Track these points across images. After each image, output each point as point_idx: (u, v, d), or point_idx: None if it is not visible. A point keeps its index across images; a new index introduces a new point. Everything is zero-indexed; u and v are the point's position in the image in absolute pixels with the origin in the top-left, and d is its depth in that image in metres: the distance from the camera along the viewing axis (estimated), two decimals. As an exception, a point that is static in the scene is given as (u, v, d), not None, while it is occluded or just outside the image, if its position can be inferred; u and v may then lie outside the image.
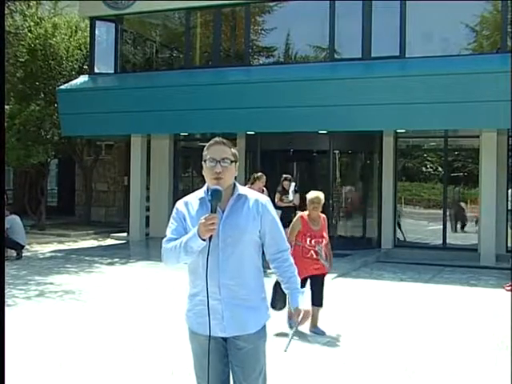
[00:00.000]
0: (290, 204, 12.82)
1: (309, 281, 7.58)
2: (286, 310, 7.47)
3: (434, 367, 6.30)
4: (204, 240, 3.29)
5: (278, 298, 7.17)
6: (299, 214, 7.82)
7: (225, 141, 3.54)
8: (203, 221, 3.27)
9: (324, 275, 7.76)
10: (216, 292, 3.40)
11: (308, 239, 7.51)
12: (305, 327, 7.47)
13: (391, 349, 6.91)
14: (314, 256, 7.51)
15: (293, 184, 13.12)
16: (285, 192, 12.99)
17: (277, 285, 6.98)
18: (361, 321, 8.33)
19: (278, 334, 7.06)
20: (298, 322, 3.48)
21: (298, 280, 3.61)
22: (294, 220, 7.74)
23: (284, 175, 13.38)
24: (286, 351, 3.56)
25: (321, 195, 7.83)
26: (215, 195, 3.33)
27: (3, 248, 11.44)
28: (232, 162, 3.49)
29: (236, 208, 3.48)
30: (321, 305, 7.67)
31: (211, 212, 3.31)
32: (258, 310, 3.54)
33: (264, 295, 3.62)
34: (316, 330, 7.61)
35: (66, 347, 6.91)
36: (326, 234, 7.73)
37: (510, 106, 11.87)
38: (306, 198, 7.67)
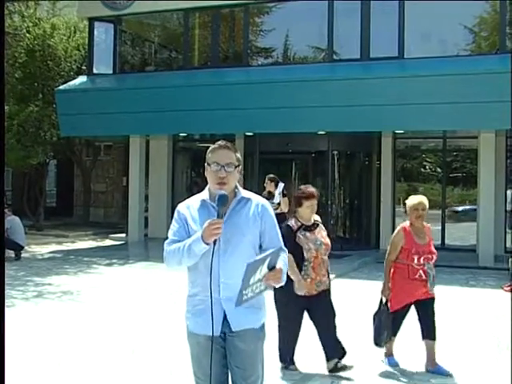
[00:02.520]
0: (278, 210, 10.74)
1: (412, 309, 6.31)
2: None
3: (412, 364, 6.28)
4: (208, 244, 3.32)
5: (383, 331, 6.17)
6: (401, 225, 6.34)
7: (229, 145, 3.56)
8: (208, 225, 3.30)
9: (433, 300, 6.28)
10: (216, 291, 3.44)
11: (416, 257, 6.08)
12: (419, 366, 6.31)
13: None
14: (424, 277, 6.10)
15: (281, 185, 11.36)
16: (270, 195, 11.16)
17: (380, 315, 6.20)
18: (360, 321, 8.30)
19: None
20: (268, 279, 3.40)
21: (286, 268, 3.58)
22: (395, 234, 6.29)
23: (268, 176, 11.70)
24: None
25: (425, 200, 6.30)
26: (221, 200, 3.38)
27: (3, 248, 11.40)
28: (236, 166, 3.52)
29: (237, 210, 3.52)
30: (434, 338, 6.19)
31: (217, 217, 3.35)
32: (256, 310, 3.57)
33: (262, 295, 3.62)
34: (436, 369, 6.13)
35: (65, 348, 6.88)
36: (434, 249, 6.27)
37: (510, 107, 11.85)
38: (296, 202, 6.12)
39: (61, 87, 16.84)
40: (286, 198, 11.18)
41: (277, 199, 11.09)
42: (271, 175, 11.60)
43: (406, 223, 6.28)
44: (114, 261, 13.68)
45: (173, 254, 3.49)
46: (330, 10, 14.69)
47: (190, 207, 3.59)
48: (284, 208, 11.13)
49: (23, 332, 7.54)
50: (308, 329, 6.23)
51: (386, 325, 6.15)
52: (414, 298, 6.13)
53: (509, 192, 14.60)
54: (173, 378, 5.86)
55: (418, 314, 6.26)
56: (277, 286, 3.51)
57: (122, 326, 7.98)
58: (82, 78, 17.41)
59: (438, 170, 15.95)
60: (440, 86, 12.70)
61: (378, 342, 6.23)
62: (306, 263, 5.89)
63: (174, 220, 3.62)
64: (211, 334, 3.44)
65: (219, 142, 3.56)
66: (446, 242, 14.98)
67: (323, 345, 6.05)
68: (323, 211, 15.58)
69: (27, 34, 18.18)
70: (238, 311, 3.45)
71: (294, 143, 15.76)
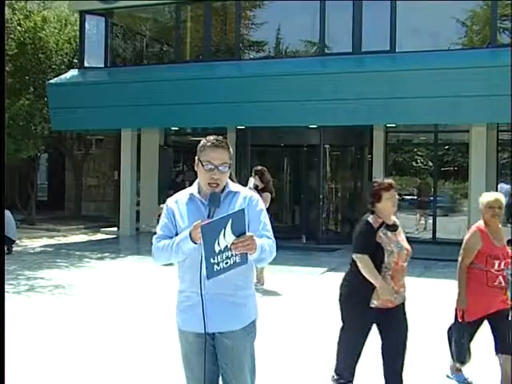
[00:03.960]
0: None
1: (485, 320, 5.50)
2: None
3: (426, 362, 6.29)
4: (196, 243, 3.26)
5: (465, 346, 5.44)
6: (475, 225, 5.62)
7: (224, 142, 3.46)
8: (197, 225, 3.22)
9: (509, 310, 5.47)
10: (201, 287, 3.36)
11: (496, 262, 5.35)
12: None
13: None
14: (503, 284, 5.40)
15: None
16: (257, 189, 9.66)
17: (459, 329, 5.46)
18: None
19: (273, 333, 7.04)
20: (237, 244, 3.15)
21: (269, 248, 3.38)
22: (470, 235, 5.59)
23: (254, 168, 10.46)
24: None
25: (501, 197, 5.53)
26: (213, 201, 3.31)
27: (3, 246, 11.39)
28: (229, 165, 3.45)
29: (224, 204, 3.45)
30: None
31: (207, 217, 3.27)
32: (244, 307, 3.51)
33: (252, 292, 3.59)
34: None
35: (56, 341, 6.86)
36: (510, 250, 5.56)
37: (510, 101, 11.83)
38: (374, 196, 5.15)
39: (52, 81, 16.77)
40: (268, 193, 9.85)
41: None
42: (258, 167, 10.37)
43: (480, 223, 5.55)
44: (106, 254, 13.65)
45: (161, 251, 3.45)
46: (322, 4, 14.68)
47: (178, 201, 3.54)
48: (265, 204, 9.38)
49: (15, 326, 7.51)
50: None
51: (467, 339, 5.45)
52: (492, 308, 5.37)
53: (499, 185, 14.62)
54: (164, 372, 5.85)
55: (495, 324, 5.42)
56: (250, 256, 3.23)
57: (113, 319, 7.97)
58: (74, 72, 17.33)
59: (430, 163, 15.99)
60: (431, 80, 12.71)
61: (463, 360, 5.49)
62: (384, 269, 4.92)
63: (162, 214, 3.58)
64: (199, 331, 3.40)
65: (212, 139, 3.44)
66: (438, 235, 14.99)
67: (385, 373, 5.03)
68: (315, 204, 15.65)
69: (18, 27, 18.06)
70: (221, 311, 3.41)
71: (286, 137, 15.76)
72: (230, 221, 3.11)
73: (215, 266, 3.14)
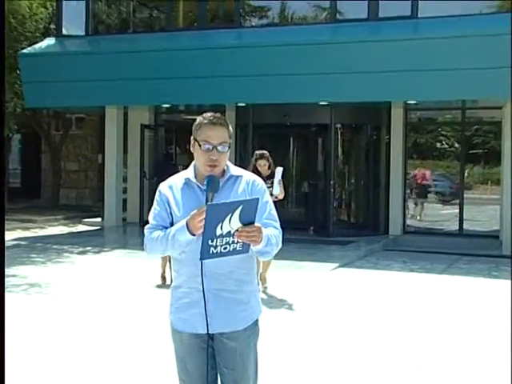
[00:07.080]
0: (274, 199, 8.31)
1: None
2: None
3: (449, 368, 6.30)
4: (194, 235, 3.28)
5: None
6: None
7: (222, 119, 3.49)
8: (194, 216, 3.25)
9: None
10: (200, 282, 3.38)
11: None
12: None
13: (401, 348, 6.91)
14: None
15: (279, 169, 9.12)
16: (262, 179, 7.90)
17: None
18: (367, 316, 8.33)
19: (273, 331, 7.06)
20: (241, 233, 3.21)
21: (275, 240, 3.42)
22: None
23: (258, 152, 9.80)
24: None
25: None
26: (212, 185, 3.34)
27: (3, 244, 11.37)
28: (229, 145, 3.47)
29: (225, 189, 3.48)
30: None
31: (206, 203, 3.28)
32: (248, 305, 3.54)
33: (255, 288, 3.64)
34: None
35: (32, 347, 6.87)
36: None
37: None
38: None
39: (25, 50, 16.73)
40: (282, 184, 9.34)
41: (276, 190, 8.94)
42: (265, 152, 9.68)
43: None
44: (88, 248, 13.67)
45: (155, 243, 3.47)
46: (334, -37, 14.64)
47: (173, 187, 3.55)
48: (281, 196, 9.23)
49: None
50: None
51: None
52: None
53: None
54: (155, 380, 5.87)
55: None
56: (254, 247, 3.29)
57: (97, 321, 7.97)
58: (50, 40, 17.30)
59: (456, 145, 15.96)
60: (459, 50, 12.65)
61: None
62: None
63: (155, 201, 3.59)
64: (199, 331, 3.43)
65: (209, 116, 3.47)
66: (465, 227, 14.98)
67: None
68: (326, 192, 15.64)
69: (-14, -11, 18.01)
70: (224, 310, 3.43)
71: (293, 115, 15.73)
72: (241, 207, 3.18)
73: (211, 249, 3.21)
